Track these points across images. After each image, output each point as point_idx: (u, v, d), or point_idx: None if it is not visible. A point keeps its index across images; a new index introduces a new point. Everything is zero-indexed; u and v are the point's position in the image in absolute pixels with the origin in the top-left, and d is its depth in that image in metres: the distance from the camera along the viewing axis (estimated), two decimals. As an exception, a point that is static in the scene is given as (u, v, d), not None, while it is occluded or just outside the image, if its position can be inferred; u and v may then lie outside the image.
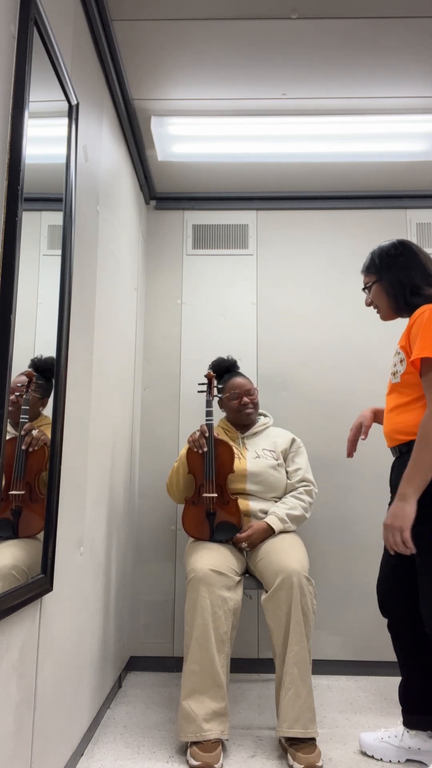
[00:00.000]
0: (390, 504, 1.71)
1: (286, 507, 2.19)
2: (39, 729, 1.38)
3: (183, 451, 2.23)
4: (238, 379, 2.39)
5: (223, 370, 2.47)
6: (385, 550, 1.85)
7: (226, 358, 2.50)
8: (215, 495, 2.12)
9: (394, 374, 1.78)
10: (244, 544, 2.10)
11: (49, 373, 1.40)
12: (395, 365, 1.78)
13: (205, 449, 2.14)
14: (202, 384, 2.32)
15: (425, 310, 1.68)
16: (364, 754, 1.84)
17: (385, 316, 1.88)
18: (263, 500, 2.25)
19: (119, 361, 2.29)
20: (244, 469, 2.26)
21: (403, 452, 1.75)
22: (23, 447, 1.24)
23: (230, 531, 2.10)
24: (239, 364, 2.85)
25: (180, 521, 2.12)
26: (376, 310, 1.90)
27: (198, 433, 2.15)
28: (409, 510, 1.57)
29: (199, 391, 2.36)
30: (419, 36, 1.98)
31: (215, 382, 2.34)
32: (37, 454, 1.32)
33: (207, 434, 2.15)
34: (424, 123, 2.41)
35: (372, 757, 1.82)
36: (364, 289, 1.92)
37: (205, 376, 2.31)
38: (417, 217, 2.96)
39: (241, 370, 2.84)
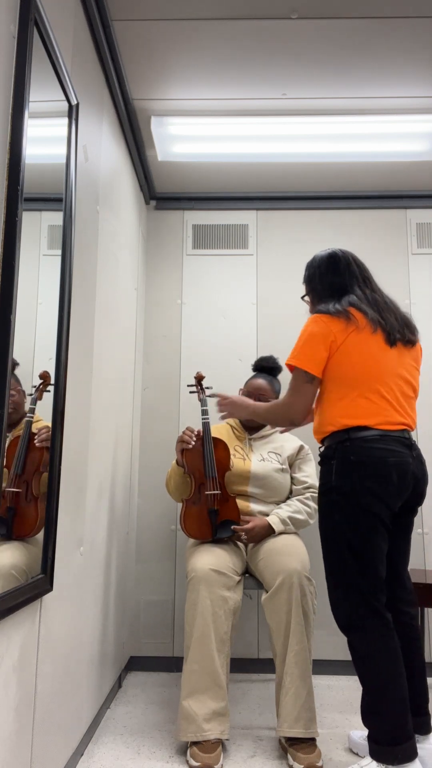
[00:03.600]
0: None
1: (290, 510, 2.18)
2: (39, 729, 1.38)
3: (173, 463, 2.25)
4: (259, 380, 2.39)
5: (259, 368, 2.49)
6: None
7: (268, 357, 2.50)
8: (218, 492, 2.12)
9: None
10: (243, 535, 2.09)
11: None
12: None
13: (193, 443, 2.15)
14: (191, 385, 2.37)
15: (309, 318, 1.82)
16: (351, 751, 1.85)
17: None
18: (264, 503, 2.25)
19: (119, 361, 2.29)
20: (248, 471, 2.25)
21: (320, 452, 1.84)
22: (37, 444, 1.24)
23: (231, 528, 2.10)
24: (239, 364, 2.86)
25: (179, 521, 2.11)
26: None
27: (181, 435, 2.18)
28: (244, 412, 1.95)
29: (190, 392, 2.38)
30: (419, 36, 1.98)
31: (203, 383, 2.37)
32: (37, 453, 1.32)
33: (194, 432, 2.17)
34: (424, 123, 2.41)
35: (357, 754, 1.83)
36: (302, 298, 2.03)
37: (194, 377, 2.35)
38: (417, 217, 2.96)
39: (241, 370, 2.84)
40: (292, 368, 1.81)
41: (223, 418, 2.07)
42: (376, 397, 1.74)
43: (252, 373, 2.65)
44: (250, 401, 1.96)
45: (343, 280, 1.88)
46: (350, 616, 1.67)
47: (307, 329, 1.80)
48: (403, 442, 1.72)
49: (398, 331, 1.81)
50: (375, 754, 1.59)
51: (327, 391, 1.80)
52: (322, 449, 1.82)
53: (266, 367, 2.47)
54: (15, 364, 1.19)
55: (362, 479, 1.67)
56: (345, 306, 1.80)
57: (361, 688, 2.42)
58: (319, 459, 1.82)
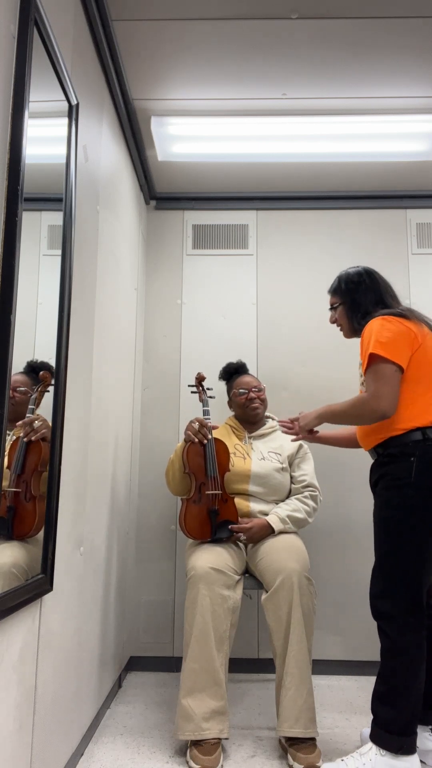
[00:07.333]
0: (374, 508, 1.82)
1: (288, 508, 2.18)
2: (39, 729, 1.38)
3: (179, 445, 2.23)
4: (246, 377, 2.44)
5: (233, 371, 2.52)
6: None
7: (234, 362, 2.55)
8: (219, 492, 2.12)
9: (362, 384, 1.89)
10: (242, 536, 2.10)
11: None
12: (361, 376, 1.89)
13: (208, 438, 2.15)
14: (192, 386, 2.39)
15: (372, 321, 1.83)
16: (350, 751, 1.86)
17: (347, 335, 2.03)
18: (264, 502, 2.25)
19: (119, 361, 2.29)
20: (248, 470, 2.25)
21: (379, 453, 1.83)
22: (24, 440, 1.24)
23: (229, 528, 2.10)
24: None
25: (179, 521, 2.11)
26: (339, 328, 2.05)
27: (197, 424, 2.14)
28: (311, 420, 1.92)
29: (191, 392, 2.39)
30: (419, 36, 1.98)
31: (204, 383, 2.42)
32: (36, 453, 1.32)
33: (205, 427, 2.16)
34: (424, 123, 2.41)
35: None
36: (330, 309, 2.05)
37: (195, 378, 2.36)
38: (417, 217, 2.96)
39: (241, 370, 2.84)
40: (373, 359, 1.76)
41: (298, 439, 2.06)
42: None
43: (221, 385, 2.68)
44: (315, 410, 1.93)
45: (384, 294, 1.94)
46: (393, 607, 1.69)
47: (384, 327, 1.77)
48: None
49: None
50: (379, 740, 1.62)
51: (402, 390, 1.78)
52: (388, 449, 1.78)
53: (238, 368, 2.51)
54: (37, 365, 1.19)
55: None
56: (407, 312, 1.84)
57: (361, 687, 2.42)
58: (386, 455, 1.79)
